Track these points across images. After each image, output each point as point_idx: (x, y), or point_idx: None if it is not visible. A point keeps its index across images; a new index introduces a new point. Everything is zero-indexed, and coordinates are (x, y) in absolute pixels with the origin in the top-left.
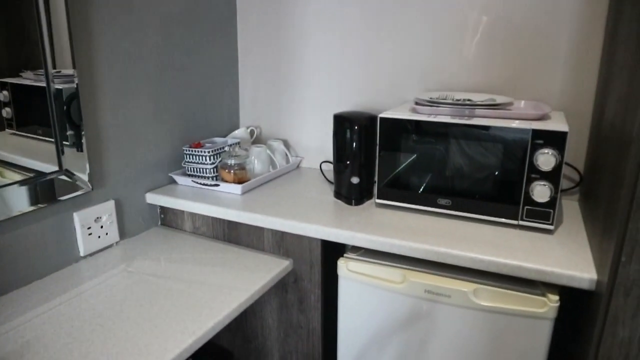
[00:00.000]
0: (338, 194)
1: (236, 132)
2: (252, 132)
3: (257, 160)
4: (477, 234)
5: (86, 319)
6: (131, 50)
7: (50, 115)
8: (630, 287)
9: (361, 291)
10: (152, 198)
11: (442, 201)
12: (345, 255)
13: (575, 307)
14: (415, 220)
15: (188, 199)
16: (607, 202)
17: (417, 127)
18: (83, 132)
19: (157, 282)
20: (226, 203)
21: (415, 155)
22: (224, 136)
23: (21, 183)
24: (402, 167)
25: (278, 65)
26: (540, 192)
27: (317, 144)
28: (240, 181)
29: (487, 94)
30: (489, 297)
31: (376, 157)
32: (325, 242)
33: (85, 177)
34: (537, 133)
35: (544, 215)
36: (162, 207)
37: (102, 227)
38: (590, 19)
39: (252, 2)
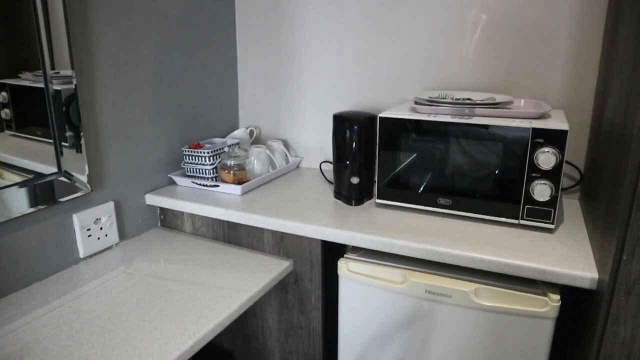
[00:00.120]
0: (338, 194)
1: (235, 132)
2: (251, 133)
3: (256, 161)
4: (477, 233)
5: (86, 321)
6: (130, 51)
7: (49, 116)
8: (632, 286)
9: (362, 291)
10: (152, 199)
11: (443, 201)
12: (345, 255)
13: (577, 306)
14: (415, 220)
15: (188, 199)
16: (608, 200)
17: (417, 126)
18: (82, 133)
19: (157, 284)
20: (226, 204)
21: (415, 154)
22: (223, 137)
23: (21, 185)
24: (402, 166)
25: (277, 65)
26: (541, 191)
27: (316, 144)
28: (239, 182)
29: (487, 92)
30: (490, 296)
31: (376, 157)
32: (326, 242)
33: (84, 179)
34: (537, 132)
35: (544, 214)
36: (161, 208)
37: (101, 228)
38: (590, 17)
39: (250, 3)
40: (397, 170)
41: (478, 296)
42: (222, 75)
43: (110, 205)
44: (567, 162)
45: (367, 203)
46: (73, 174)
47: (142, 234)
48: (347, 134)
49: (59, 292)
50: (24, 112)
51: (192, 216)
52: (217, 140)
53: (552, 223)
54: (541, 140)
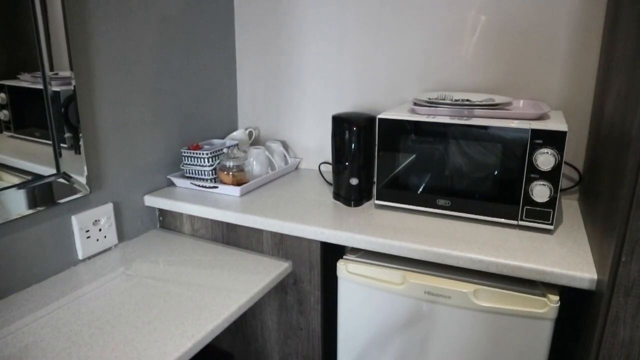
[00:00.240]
0: (337, 195)
1: (234, 133)
2: (250, 134)
3: (255, 162)
4: (476, 234)
5: (85, 322)
6: (129, 52)
7: (47, 117)
8: (631, 286)
9: (361, 293)
10: (151, 200)
11: (442, 202)
12: (344, 256)
13: (576, 307)
14: (414, 221)
15: (187, 201)
16: (607, 201)
17: (416, 127)
18: (81, 135)
19: (156, 285)
20: (225, 205)
21: (414, 155)
22: (222, 138)
23: (19, 186)
24: (401, 168)
25: (276, 66)
26: (540, 191)
27: (315, 145)
28: (239, 183)
29: (486, 93)
30: (489, 297)
31: (375, 158)
32: (325, 243)
33: (83, 180)
34: (536, 133)
35: (543, 215)
36: (160, 210)
37: (100, 230)
38: (588, 18)
39: (249, 4)
40: (396, 172)
41: (477, 297)
42: (221, 77)
43: (109, 207)
44: (566, 163)
45: (366, 204)
46: (72, 175)
47: (141, 235)
48: (346, 135)
49: (57, 293)
50: (22, 113)
51: (191, 217)
52: (216, 141)
53: (551, 224)
54: (540, 141)
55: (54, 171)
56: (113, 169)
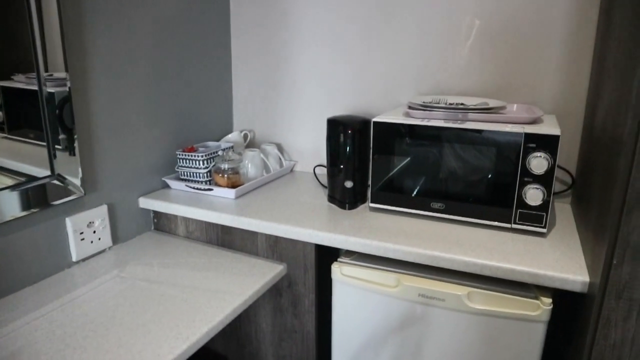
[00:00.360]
0: (332, 198)
1: (229, 136)
2: (245, 136)
3: (250, 165)
4: (470, 237)
5: (79, 325)
6: (124, 54)
7: (42, 118)
8: (622, 289)
9: (355, 295)
10: (145, 202)
11: (436, 205)
12: (339, 259)
13: (569, 310)
14: (409, 224)
15: (181, 203)
16: (599, 205)
17: (411, 131)
18: (75, 136)
19: (151, 288)
20: (220, 207)
21: (408, 159)
22: (218, 140)
23: (13, 188)
24: (395, 171)
25: (272, 69)
26: (533, 195)
27: (310, 148)
28: (233, 185)
29: (480, 97)
30: (482, 300)
31: (370, 161)
32: (319, 246)
33: (77, 182)
34: (529, 136)
35: (536, 218)
36: (155, 212)
37: (94, 232)
38: (581, 24)
39: (245, 7)
40: (390, 175)
41: (471, 300)
42: (216, 79)
43: (103, 209)
44: (559, 167)
45: (361, 207)
46: (66, 177)
47: (135, 237)
48: (341, 138)
49: (51, 296)
50: (16, 114)
51: (186, 220)
52: (211, 143)
53: (544, 227)
54: (533, 145)
55: (48, 173)
56: (108, 171)
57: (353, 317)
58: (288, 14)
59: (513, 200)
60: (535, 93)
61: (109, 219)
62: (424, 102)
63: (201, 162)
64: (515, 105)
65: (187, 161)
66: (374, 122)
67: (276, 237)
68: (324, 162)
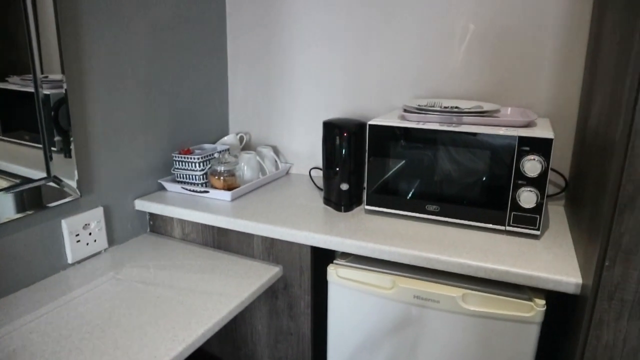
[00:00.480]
0: (327, 201)
1: (225, 138)
2: (241, 139)
3: (246, 167)
4: (465, 239)
5: (74, 327)
6: (120, 57)
7: (38, 121)
8: (614, 290)
9: (351, 297)
10: (141, 205)
11: (431, 207)
12: (335, 261)
13: (562, 311)
14: (404, 226)
15: (177, 205)
16: (592, 207)
17: (406, 134)
18: (72, 139)
19: (147, 290)
20: (216, 210)
21: (403, 161)
22: (213, 142)
23: (8, 189)
24: (390, 173)
25: (268, 72)
26: (527, 198)
27: (306, 151)
28: (229, 188)
29: (475, 101)
30: (477, 302)
31: (365, 163)
32: (315, 248)
33: (73, 184)
34: (523, 140)
35: (530, 220)
36: (151, 214)
37: (90, 234)
38: (574, 29)
39: (241, 10)
40: (386, 177)
41: (465, 301)
42: (212, 82)
43: (99, 211)
44: (553, 170)
45: (357, 209)
46: (62, 179)
47: (131, 239)
48: (337, 141)
49: (47, 298)
50: (11, 116)
51: (182, 222)
52: (207, 146)
53: (538, 229)
54: (527, 148)
55: (43, 175)
56: (104, 173)
57: (349, 319)
58: (284, 17)
59: (507, 203)
60: (529, 97)
61: (104, 221)
62: (419, 106)
63: (197, 165)
64: (509, 109)
65: (183, 163)
66: (370, 125)
67: (272, 239)
68: (320, 165)
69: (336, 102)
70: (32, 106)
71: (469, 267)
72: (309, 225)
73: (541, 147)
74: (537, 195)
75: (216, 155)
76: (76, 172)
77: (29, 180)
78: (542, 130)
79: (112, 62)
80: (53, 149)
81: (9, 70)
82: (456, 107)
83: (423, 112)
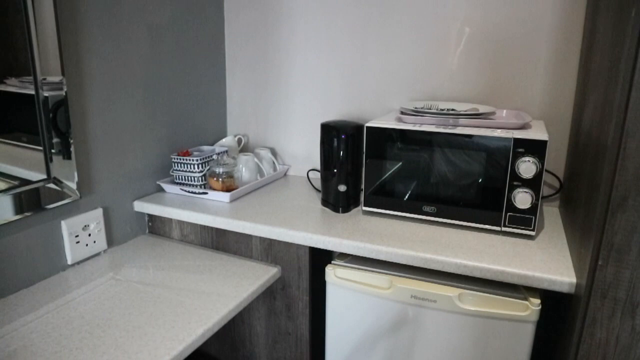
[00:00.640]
0: (325, 202)
1: (224, 140)
2: (239, 141)
3: (245, 169)
4: (461, 240)
5: (74, 327)
6: (121, 59)
7: (39, 122)
8: (607, 289)
9: (348, 297)
10: (140, 206)
11: (427, 208)
12: (332, 262)
13: (557, 310)
14: (401, 227)
15: (176, 206)
16: (585, 208)
17: (403, 136)
18: (72, 140)
19: (146, 290)
20: (214, 211)
21: (400, 163)
22: (212, 144)
23: (8, 191)
24: (388, 175)
25: (265, 74)
26: (522, 199)
27: (304, 152)
28: (228, 189)
29: (471, 103)
30: (473, 301)
31: (363, 165)
32: (313, 249)
33: (73, 185)
34: (518, 142)
35: (525, 221)
36: (149, 215)
37: (89, 235)
38: (568, 32)
39: (240, 13)
40: (383, 179)
41: (462, 301)
42: (211, 84)
43: (98, 212)
44: (547, 171)
45: (354, 210)
46: (62, 180)
47: (130, 240)
48: (335, 143)
49: (46, 298)
50: (8, 118)
51: (181, 223)
52: (206, 148)
53: (533, 230)
54: (522, 150)
55: (42, 176)
56: (103, 175)
57: (346, 319)
58: (282, 20)
59: (502, 204)
60: (524, 99)
61: (104, 222)
62: (415, 108)
63: (196, 166)
64: (504, 111)
65: (182, 165)
66: (367, 127)
67: (270, 240)
68: (317, 167)
69: (334, 104)
70: (29, 108)
71: (465, 267)
72: (307, 226)
73: (536, 148)
74: (532, 196)
75: (215, 157)
76: (76, 174)
77: (28, 181)
78: (537, 132)
79: (111, 65)
80: (52, 150)
81: (7, 72)
82: (452, 110)
83: (420, 114)
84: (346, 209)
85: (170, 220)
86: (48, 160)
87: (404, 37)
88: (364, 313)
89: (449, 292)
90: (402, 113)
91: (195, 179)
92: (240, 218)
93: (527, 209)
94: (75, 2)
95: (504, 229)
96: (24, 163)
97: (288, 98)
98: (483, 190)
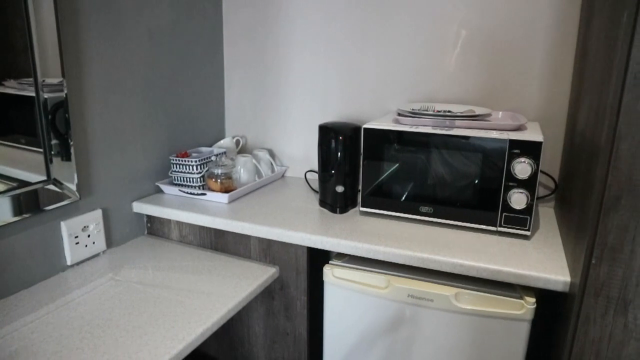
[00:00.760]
0: (323, 203)
1: (222, 141)
2: (237, 142)
3: (243, 170)
4: (458, 240)
5: (75, 327)
6: (119, 61)
7: (38, 124)
8: (601, 287)
9: (346, 297)
10: (139, 207)
11: (424, 209)
12: (330, 262)
13: (552, 309)
14: (398, 228)
15: (175, 207)
16: (579, 208)
17: (400, 137)
18: (71, 142)
19: (145, 290)
20: (213, 212)
21: (398, 164)
22: (210, 146)
23: (7, 192)
24: (385, 176)
25: (264, 76)
26: (517, 199)
27: (302, 154)
28: (226, 190)
29: (467, 105)
30: (469, 300)
31: (360, 166)
32: (311, 249)
33: (73, 187)
34: (514, 143)
35: (521, 221)
36: (148, 216)
37: (89, 236)
38: (563, 35)
39: (239, 14)
40: (380, 180)
41: (458, 300)
42: (209, 86)
43: (98, 213)
44: (543, 172)
45: (352, 211)
46: (62, 181)
47: (129, 241)
48: (333, 144)
49: (46, 299)
50: (7, 120)
51: (179, 224)
52: (204, 149)
53: (528, 230)
54: (517, 151)
55: (42, 178)
56: (102, 176)
57: (344, 319)
58: (280, 22)
59: (498, 204)
60: (519, 101)
61: (103, 223)
62: (412, 110)
63: (194, 167)
64: (500, 113)
65: (181, 166)
66: (365, 129)
67: (269, 240)
68: (315, 168)
69: (331, 105)
70: (28, 110)
71: (461, 267)
72: (305, 227)
73: (531, 150)
74: (527, 196)
75: (213, 158)
76: (75, 175)
77: (28, 183)
78: (532, 134)
79: (110, 67)
80: (52, 152)
81: (5, 74)
82: (449, 111)
83: (417, 116)
84: (344, 210)
85: (169, 221)
86: (48, 162)
87: (401, 39)
88: (362, 312)
89: (446, 291)
90: (399, 115)
91: (194, 180)
92: (239, 219)
93: (523, 209)
94: (75, 4)
95: (499, 229)
96: (23, 165)
97: (286, 99)
98: (479, 190)
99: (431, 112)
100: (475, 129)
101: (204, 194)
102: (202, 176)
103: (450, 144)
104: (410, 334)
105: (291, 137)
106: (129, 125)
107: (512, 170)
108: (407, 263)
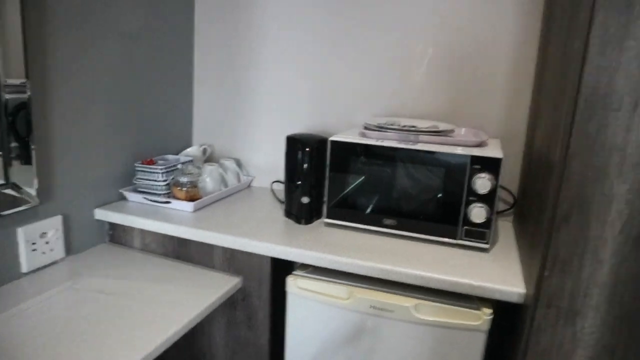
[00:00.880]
0: (288, 213)
1: (189, 150)
2: (204, 151)
3: (209, 179)
4: (419, 252)
5: (28, 338)
6: (86, 65)
7: None
8: (552, 298)
9: (309, 307)
10: (101, 214)
11: (388, 221)
12: (294, 272)
13: (508, 319)
14: (362, 239)
15: (138, 215)
16: (535, 222)
17: (366, 150)
18: (33, 146)
19: (105, 299)
20: (177, 220)
21: (363, 177)
22: (177, 154)
23: None
24: (350, 188)
25: (233, 85)
26: (477, 213)
27: (268, 164)
28: (192, 199)
29: (431, 120)
30: (429, 311)
31: (326, 178)
32: (275, 259)
33: (32, 191)
34: (475, 159)
35: (480, 235)
36: (111, 224)
37: (47, 242)
38: (523, 55)
39: (209, 24)
40: (345, 192)
41: (418, 311)
42: (178, 93)
43: (58, 219)
44: (502, 187)
45: (317, 222)
46: (21, 186)
47: (89, 249)
48: (299, 155)
49: None
50: None
51: (142, 232)
52: (170, 157)
53: (487, 243)
54: (478, 167)
55: (1, 181)
56: (64, 181)
57: (306, 329)
58: (251, 33)
59: (459, 218)
60: (482, 117)
61: (63, 229)
62: (378, 124)
63: (160, 175)
64: (463, 129)
65: (146, 173)
66: (331, 141)
67: (233, 250)
68: (281, 178)
69: (299, 117)
70: None
71: (422, 278)
72: (270, 237)
73: (491, 166)
74: (487, 211)
75: (179, 166)
76: (36, 180)
77: None
78: (493, 150)
79: (77, 69)
80: (10, 155)
81: None
82: (413, 126)
83: (382, 130)
84: (309, 221)
85: (132, 229)
86: (7, 165)
87: (370, 55)
88: (324, 323)
89: (406, 302)
90: (365, 128)
91: (159, 187)
92: (204, 228)
93: (482, 223)
94: (43, 3)
95: (460, 242)
96: None
97: (255, 110)
98: (442, 204)
99: (397, 127)
100: (439, 144)
101: (169, 202)
102: (168, 184)
103: (415, 158)
104: (371, 345)
105: (259, 147)
106: (94, 129)
107: (472, 185)
108: (370, 274)
